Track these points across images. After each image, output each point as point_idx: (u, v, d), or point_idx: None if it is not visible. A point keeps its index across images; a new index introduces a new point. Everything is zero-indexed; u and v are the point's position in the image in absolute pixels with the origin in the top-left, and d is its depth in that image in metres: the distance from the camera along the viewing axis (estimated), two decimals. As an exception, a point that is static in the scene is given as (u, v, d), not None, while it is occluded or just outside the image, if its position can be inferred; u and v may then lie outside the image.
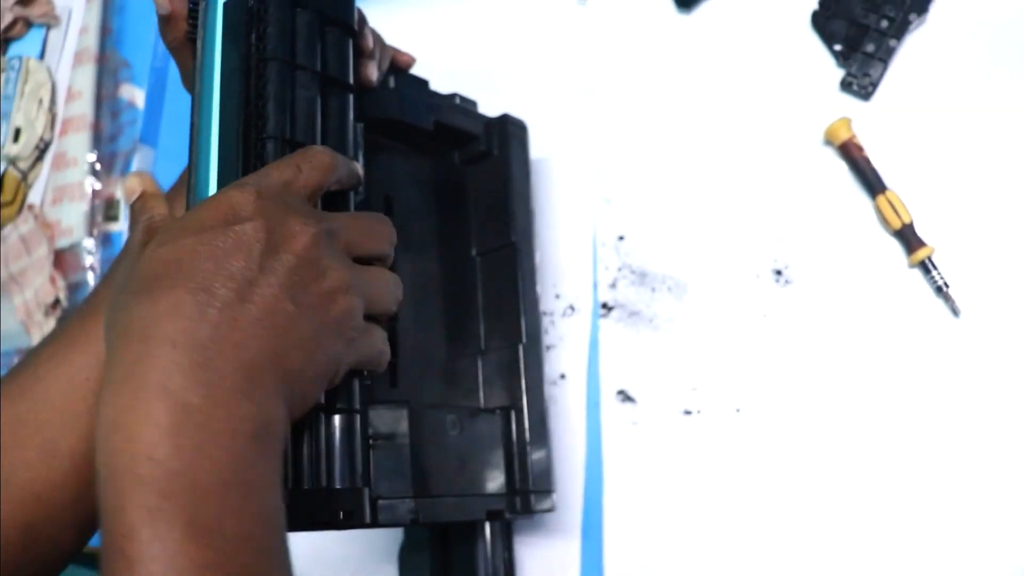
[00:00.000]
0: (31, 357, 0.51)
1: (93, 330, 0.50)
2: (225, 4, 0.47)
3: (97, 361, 0.49)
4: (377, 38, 0.55)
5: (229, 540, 0.33)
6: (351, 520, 0.42)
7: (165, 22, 0.50)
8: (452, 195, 0.64)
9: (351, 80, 0.50)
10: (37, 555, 0.48)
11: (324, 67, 0.48)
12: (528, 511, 0.56)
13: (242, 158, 0.44)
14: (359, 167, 0.47)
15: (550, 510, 0.58)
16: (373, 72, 0.54)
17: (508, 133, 0.64)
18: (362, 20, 0.53)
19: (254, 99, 0.45)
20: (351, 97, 0.50)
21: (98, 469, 0.34)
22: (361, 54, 0.53)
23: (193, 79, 0.47)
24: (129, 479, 0.32)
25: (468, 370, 0.61)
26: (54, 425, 0.48)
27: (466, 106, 0.64)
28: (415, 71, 0.62)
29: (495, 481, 0.56)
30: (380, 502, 0.47)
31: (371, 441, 0.48)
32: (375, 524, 0.46)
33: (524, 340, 0.59)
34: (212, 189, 0.44)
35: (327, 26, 0.49)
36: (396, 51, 0.59)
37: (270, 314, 0.38)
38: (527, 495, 0.56)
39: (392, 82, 0.58)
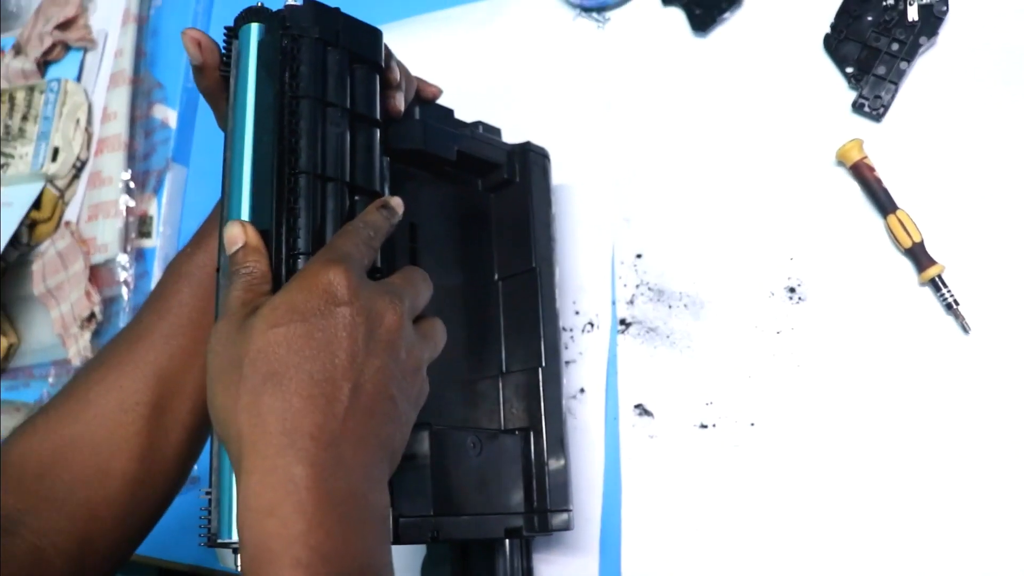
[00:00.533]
0: (79, 381, 0.54)
1: (142, 356, 0.53)
2: (260, 42, 0.49)
3: (144, 385, 0.52)
4: (403, 70, 0.58)
5: None
6: None
7: (198, 71, 0.52)
8: (475, 221, 0.66)
9: (378, 115, 0.52)
10: (90, 566, 0.51)
11: (353, 103, 0.50)
12: (546, 529, 0.58)
13: (275, 192, 0.46)
14: (400, 206, 0.49)
15: (567, 528, 0.60)
16: (400, 103, 0.56)
17: (529, 161, 0.66)
18: (388, 53, 0.55)
19: (288, 135, 0.47)
20: (378, 132, 0.52)
21: (246, 547, 0.37)
22: (388, 86, 0.55)
23: (226, 118, 0.50)
24: (287, 561, 0.36)
25: (489, 392, 0.63)
26: (107, 447, 0.52)
27: (489, 134, 0.66)
28: (440, 100, 0.64)
29: (514, 500, 0.58)
30: (402, 520, 0.49)
31: None
32: (397, 541, 0.48)
33: (544, 363, 0.61)
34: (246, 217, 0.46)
35: (355, 63, 0.51)
36: (422, 82, 0.61)
37: (379, 400, 0.42)
38: (545, 514, 0.58)
39: (417, 112, 0.60)
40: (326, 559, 0.36)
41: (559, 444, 0.60)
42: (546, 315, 0.63)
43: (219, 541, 0.42)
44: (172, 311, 0.54)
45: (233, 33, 0.50)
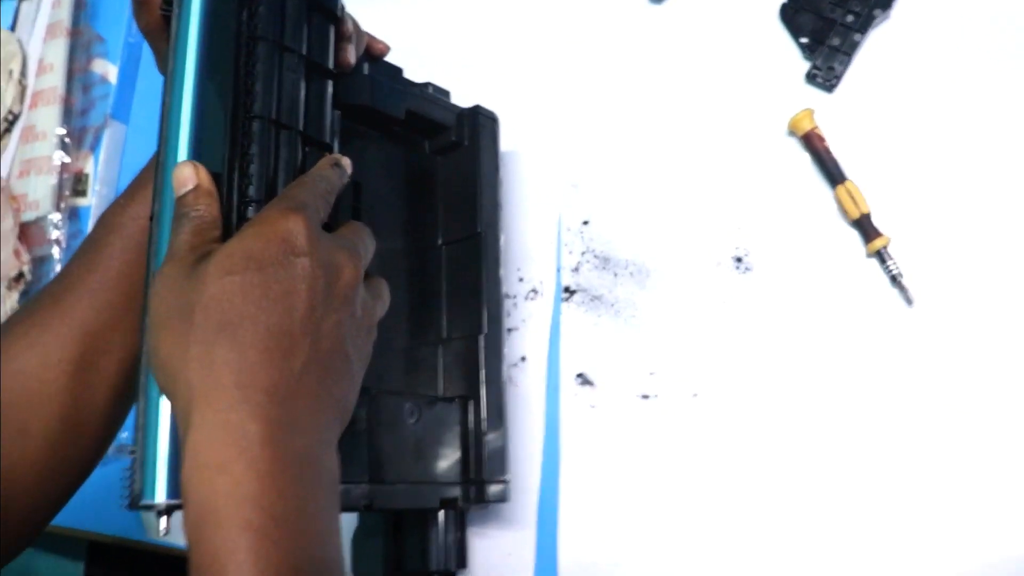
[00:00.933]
0: (2, 335, 0.51)
1: (68, 311, 0.50)
2: None
3: (69, 341, 0.49)
4: (354, 23, 0.56)
5: (315, 569, 0.36)
6: None
7: (140, 5, 0.50)
8: (421, 184, 0.65)
9: (331, 66, 0.50)
10: (8, 529, 0.48)
11: (308, 51, 0.48)
12: (482, 500, 0.57)
13: (229, 135, 0.44)
14: (350, 166, 0.48)
15: (504, 499, 0.58)
16: (351, 56, 0.54)
17: (479, 124, 0.64)
18: (341, 4, 0.53)
19: (244, 77, 0.45)
20: (330, 83, 0.50)
21: (191, 506, 0.35)
22: (340, 38, 0.53)
23: (167, 58, 0.47)
24: (238, 522, 0.34)
25: (429, 358, 0.61)
26: (26, 406, 0.49)
27: (438, 96, 0.64)
28: (389, 58, 0.62)
29: (450, 470, 0.57)
30: None
31: None
32: None
33: (485, 330, 0.59)
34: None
35: (312, 10, 0.49)
36: (371, 38, 0.59)
37: (335, 357, 0.40)
38: (482, 484, 0.57)
39: (366, 68, 0.58)
40: (278, 522, 0.34)
41: (498, 414, 0.59)
42: (489, 282, 0.61)
43: (142, 503, 0.39)
44: (102, 264, 0.51)
45: None
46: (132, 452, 0.41)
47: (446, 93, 0.66)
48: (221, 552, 0.34)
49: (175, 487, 0.39)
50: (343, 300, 0.41)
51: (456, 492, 0.57)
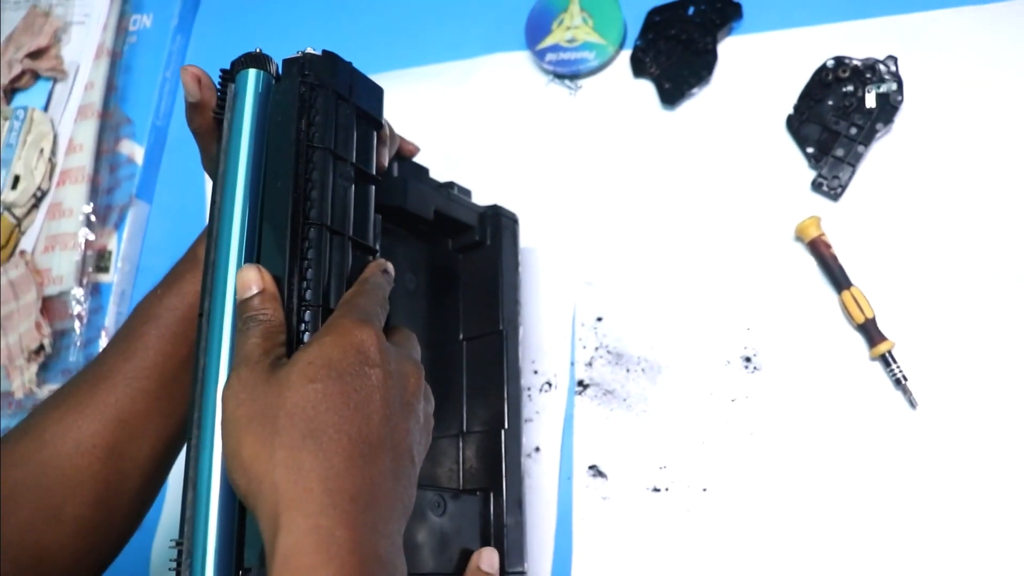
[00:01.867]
0: (35, 420, 0.52)
1: (103, 398, 0.52)
2: (277, 86, 0.50)
3: (103, 428, 0.51)
4: (389, 127, 0.58)
5: None
6: None
7: (193, 108, 0.52)
8: (444, 280, 0.67)
9: (375, 172, 0.53)
10: None
11: (356, 158, 0.51)
12: None
13: (289, 239, 0.46)
14: (393, 270, 0.50)
15: None
16: (386, 159, 0.57)
17: (500, 224, 0.67)
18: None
19: (303, 184, 0.47)
20: (373, 188, 0.52)
21: None
22: (378, 142, 0.56)
23: (216, 160, 0.49)
24: None
25: (448, 450, 0.63)
26: (59, 491, 0.50)
27: (462, 196, 0.67)
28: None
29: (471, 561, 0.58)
30: None
31: None
32: None
33: (507, 426, 0.62)
34: (232, 267, 0.46)
35: (360, 118, 0.52)
36: (403, 139, 0.62)
37: (405, 463, 0.42)
38: (502, 575, 0.58)
39: (396, 169, 0.61)
40: None
41: (517, 505, 0.61)
42: (510, 377, 0.63)
43: None
44: (137, 353, 0.53)
45: (230, 76, 0.50)
46: (178, 544, 0.42)
47: (468, 193, 0.69)
48: None
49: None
50: (410, 408, 0.44)
51: None
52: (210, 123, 0.52)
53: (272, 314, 0.44)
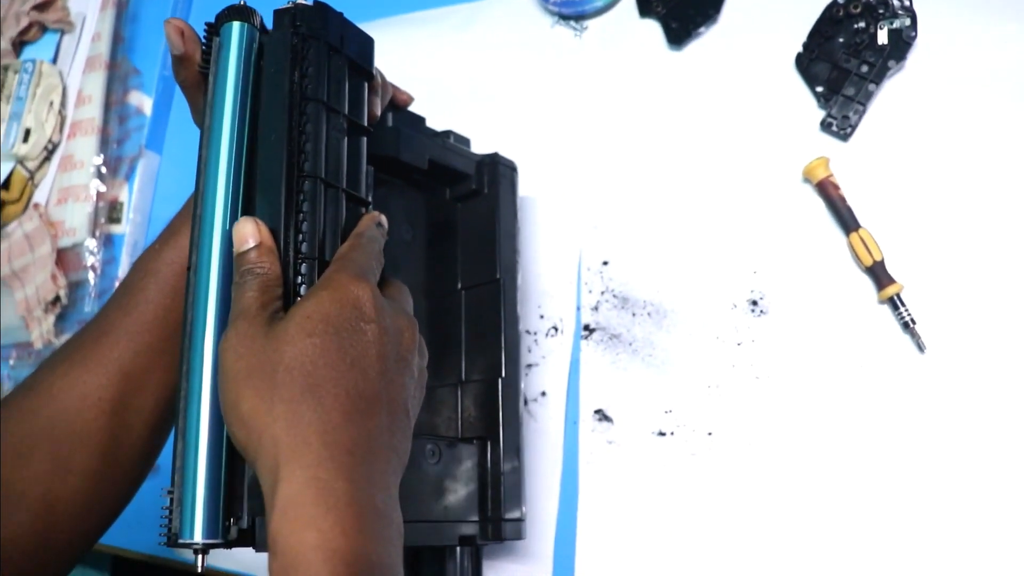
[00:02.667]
0: (42, 376, 0.54)
1: (106, 353, 0.53)
2: (269, 37, 0.49)
3: (108, 381, 0.52)
4: (381, 76, 0.58)
5: None
6: None
7: (178, 62, 0.52)
8: (441, 230, 0.67)
9: (366, 124, 0.52)
10: (47, 561, 0.51)
11: (348, 109, 0.51)
12: (499, 538, 0.59)
13: (284, 192, 0.46)
14: (386, 222, 0.50)
15: (520, 537, 0.60)
16: (378, 109, 0.57)
17: (498, 173, 0.66)
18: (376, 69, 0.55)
19: (297, 136, 0.47)
20: (365, 140, 0.52)
21: (280, 555, 0.37)
22: (370, 92, 0.55)
23: (203, 113, 0.49)
24: (325, 574, 0.36)
25: (447, 399, 0.64)
26: (68, 442, 0.51)
27: (459, 145, 0.67)
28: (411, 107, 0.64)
29: (468, 508, 0.59)
30: None
31: None
32: None
33: (504, 374, 0.62)
34: (217, 221, 0.46)
35: (351, 69, 0.52)
36: (396, 88, 0.61)
37: (400, 417, 0.43)
38: (499, 522, 0.59)
39: (390, 119, 0.61)
40: (365, 566, 0.37)
41: (515, 453, 0.61)
42: (508, 326, 0.63)
43: (180, 541, 0.42)
44: (138, 308, 0.54)
45: (214, 29, 0.50)
46: (169, 493, 0.43)
47: (466, 141, 0.68)
48: None
49: (212, 527, 0.42)
50: (405, 362, 0.44)
51: (473, 530, 0.58)
52: (196, 76, 0.52)
53: (269, 267, 0.44)
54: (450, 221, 0.67)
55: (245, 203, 0.47)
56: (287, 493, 0.38)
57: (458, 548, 0.60)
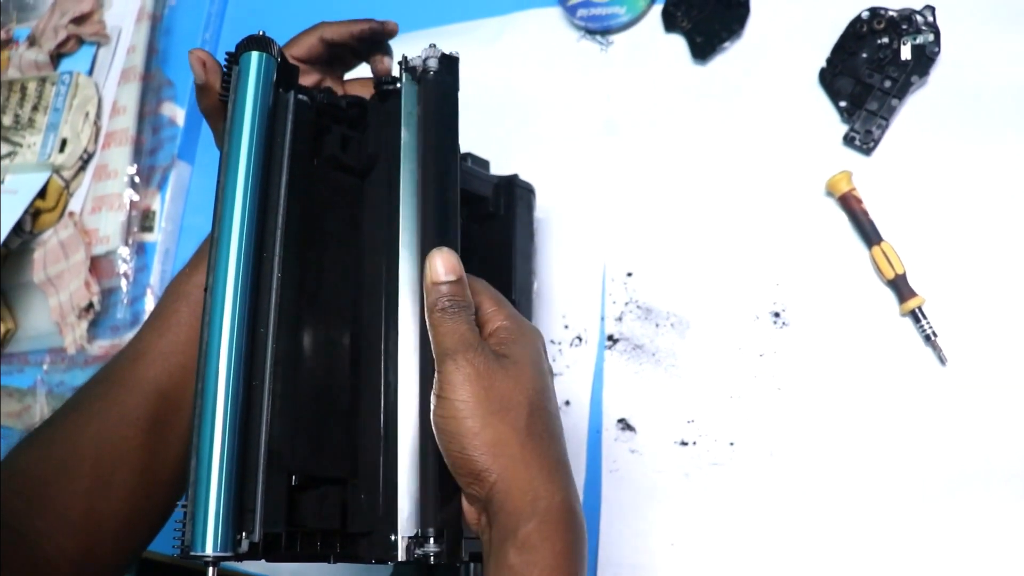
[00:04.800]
0: (82, 396, 0.56)
1: (142, 373, 0.56)
2: (437, 79, 0.53)
3: (145, 401, 0.55)
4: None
5: None
6: (339, 554, 0.48)
7: (200, 90, 0.54)
8: (460, 251, 0.67)
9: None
10: (93, 573, 0.53)
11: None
12: None
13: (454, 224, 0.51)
14: None
15: None
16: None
17: (514, 195, 0.67)
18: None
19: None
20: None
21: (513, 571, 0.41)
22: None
23: (222, 138, 0.51)
24: None
25: None
26: (109, 460, 0.54)
27: (477, 167, 0.68)
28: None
29: None
30: (374, 536, 0.49)
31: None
32: (361, 560, 0.49)
33: None
34: (233, 244, 0.47)
35: None
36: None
37: None
38: None
39: None
40: None
41: None
42: None
43: (192, 554, 0.43)
44: (171, 330, 0.56)
45: (234, 59, 0.51)
46: (183, 506, 0.44)
47: (485, 164, 0.69)
48: None
49: (223, 541, 0.43)
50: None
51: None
52: (217, 104, 0.54)
53: (470, 300, 0.46)
54: (468, 242, 0.68)
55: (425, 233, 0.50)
56: (547, 504, 0.42)
57: (471, 565, 0.60)
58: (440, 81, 0.53)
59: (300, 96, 0.53)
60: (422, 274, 0.47)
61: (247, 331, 0.46)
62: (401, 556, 0.46)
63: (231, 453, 0.44)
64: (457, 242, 0.49)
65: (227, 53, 0.51)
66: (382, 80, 0.55)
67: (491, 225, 0.68)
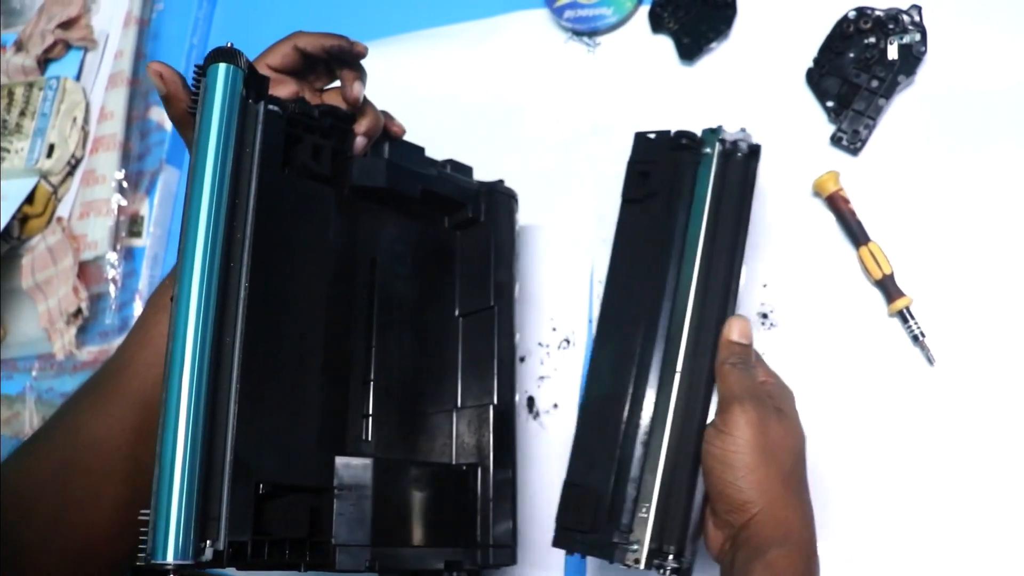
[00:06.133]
0: (69, 409, 0.57)
1: (126, 385, 0.56)
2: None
3: (131, 412, 0.55)
4: (373, 109, 0.60)
5: None
6: (309, 563, 0.49)
7: (166, 101, 0.55)
8: (440, 257, 0.68)
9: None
10: None
11: None
12: (487, 565, 0.59)
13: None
14: None
15: (511, 563, 0.61)
16: (360, 146, 0.60)
17: (496, 201, 0.67)
18: (367, 101, 0.59)
19: None
20: None
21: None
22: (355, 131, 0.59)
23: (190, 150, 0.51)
24: None
25: (443, 425, 0.64)
26: (97, 471, 0.54)
27: (456, 173, 0.68)
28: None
29: (457, 534, 0.59)
30: (338, 548, 0.51)
31: (336, 491, 0.52)
32: (332, 568, 0.50)
33: (495, 401, 0.62)
34: (198, 256, 0.47)
35: None
36: (389, 120, 0.64)
37: None
38: (487, 549, 0.59)
39: (386, 150, 0.63)
40: None
41: (506, 482, 0.61)
42: (502, 353, 0.64)
43: (153, 563, 0.43)
44: (153, 341, 0.57)
45: (202, 71, 0.51)
46: (146, 515, 0.44)
47: (467, 170, 0.69)
48: None
49: (186, 548, 0.43)
50: None
51: (460, 556, 0.58)
52: (185, 115, 0.54)
53: (754, 361, 0.56)
54: (449, 249, 0.68)
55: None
56: (798, 538, 0.50)
57: (455, 574, 0.60)
58: (746, 165, 0.60)
59: (271, 107, 0.54)
60: (715, 331, 0.56)
61: (212, 341, 0.46)
62: (642, 565, 0.52)
63: (193, 461, 0.44)
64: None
65: (196, 65, 0.52)
66: (680, 134, 0.63)
67: (472, 231, 0.68)
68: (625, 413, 0.57)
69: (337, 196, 0.58)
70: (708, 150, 0.61)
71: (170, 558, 0.42)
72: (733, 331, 0.55)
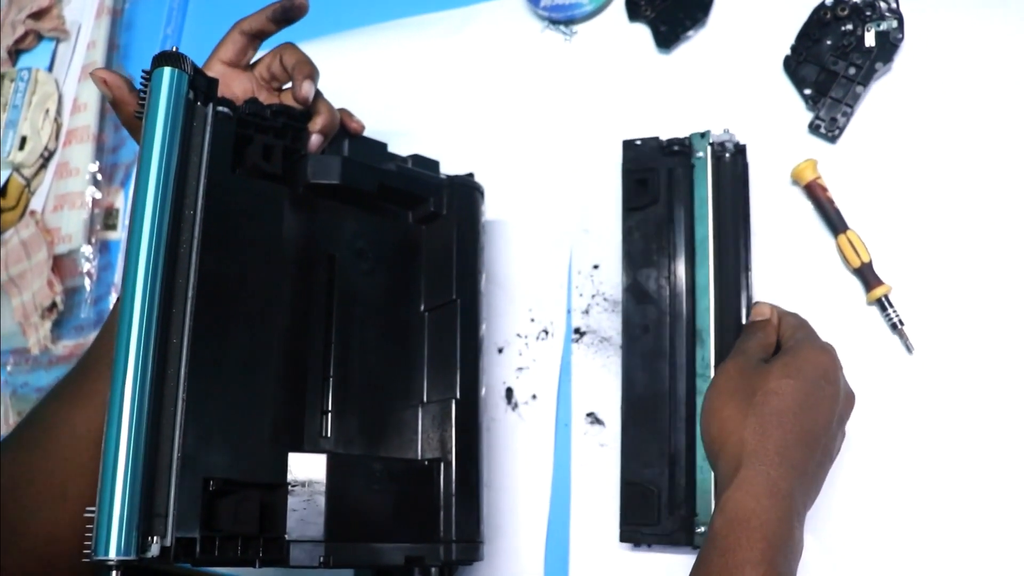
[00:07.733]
0: (38, 412, 0.59)
1: (91, 388, 0.57)
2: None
3: (96, 414, 0.55)
4: (329, 107, 0.61)
5: None
6: (263, 559, 0.49)
7: (114, 106, 0.56)
8: (406, 253, 0.67)
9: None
10: None
11: None
12: (450, 561, 0.59)
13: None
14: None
15: (477, 559, 0.60)
16: (316, 144, 0.61)
17: (459, 194, 0.67)
18: (318, 92, 0.60)
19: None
20: None
21: (726, 512, 0.49)
22: (310, 129, 0.60)
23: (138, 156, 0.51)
24: (758, 535, 0.48)
25: (410, 420, 0.63)
26: (63, 473, 0.55)
27: (419, 168, 0.67)
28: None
29: (419, 529, 0.59)
30: (291, 543, 0.51)
31: (290, 487, 0.52)
32: (285, 564, 0.51)
33: (458, 395, 0.62)
34: (143, 257, 0.47)
35: None
36: (346, 117, 0.64)
37: (826, 463, 0.55)
38: (450, 544, 0.59)
39: (346, 147, 0.64)
40: (777, 553, 0.48)
41: (469, 478, 0.61)
42: (465, 347, 0.63)
43: (95, 559, 0.43)
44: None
45: (148, 76, 0.51)
46: (92, 512, 0.44)
47: (433, 164, 0.68)
48: (734, 562, 0.47)
49: (129, 543, 0.43)
50: (841, 422, 0.55)
51: (422, 551, 0.58)
52: (132, 118, 0.55)
53: (772, 337, 0.59)
54: (414, 244, 0.67)
55: None
56: (745, 476, 0.50)
57: (432, 568, 0.59)
58: (735, 163, 0.65)
59: (220, 108, 0.54)
60: (736, 321, 0.63)
61: (157, 340, 0.47)
62: None
63: (136, 457, 0.44)
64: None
65: (143, 71, 0.52)
66: (671, 141, 0.66)
67: (436, 225, 0.67)
68: (667, 409, 0.62)
69: (291, 194, 0.59)
70: (700, 154, 0.65)
71: (112, 554, 0.42)
72: (757, 313, 0.61)
